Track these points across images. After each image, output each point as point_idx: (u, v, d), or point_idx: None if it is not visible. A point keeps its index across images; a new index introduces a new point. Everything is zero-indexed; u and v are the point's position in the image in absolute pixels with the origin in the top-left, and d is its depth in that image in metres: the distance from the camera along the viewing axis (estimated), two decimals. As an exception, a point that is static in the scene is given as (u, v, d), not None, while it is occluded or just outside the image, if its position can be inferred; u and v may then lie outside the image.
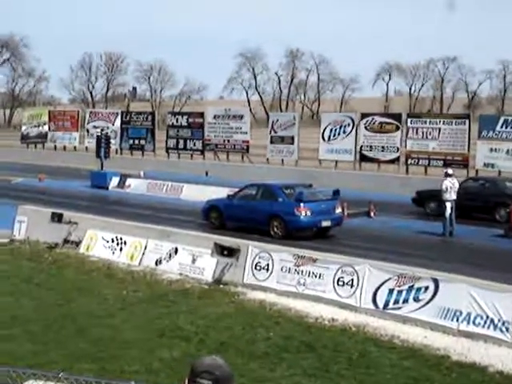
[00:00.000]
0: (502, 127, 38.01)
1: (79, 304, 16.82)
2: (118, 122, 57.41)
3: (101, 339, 14.05)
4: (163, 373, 12.16)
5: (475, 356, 13.46)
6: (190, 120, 53.26)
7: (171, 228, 22.93)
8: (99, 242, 22.76)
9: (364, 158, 44.12)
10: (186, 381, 4.25)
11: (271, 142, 48.42)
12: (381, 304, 16.14)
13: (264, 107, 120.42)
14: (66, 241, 23.61)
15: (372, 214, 29.98)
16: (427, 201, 31.36)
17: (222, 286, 18.73)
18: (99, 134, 46.05)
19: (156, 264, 20.86)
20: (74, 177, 45.17)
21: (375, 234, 26.35)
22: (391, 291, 16.05)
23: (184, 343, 13.84)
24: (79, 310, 16.32)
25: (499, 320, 14.28)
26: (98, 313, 16.05)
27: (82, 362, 12.53)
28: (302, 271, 17.70)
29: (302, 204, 24.78)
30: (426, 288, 15.52)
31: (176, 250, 20.64)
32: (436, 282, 15.48)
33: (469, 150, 39.58)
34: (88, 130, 59.41)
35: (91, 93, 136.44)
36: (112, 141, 48.39)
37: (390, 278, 16.17)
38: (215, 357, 4.39)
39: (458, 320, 14.85)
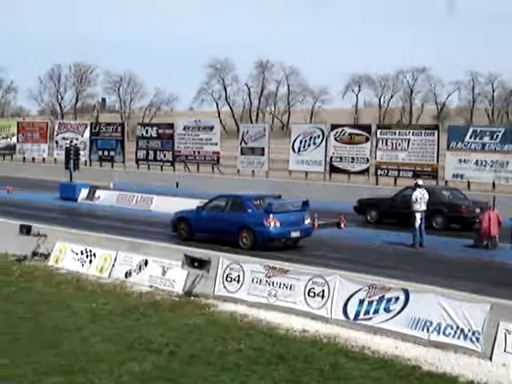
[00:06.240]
0: (470, 138, 38.34)
1: (48, 317, 16.67)
2: (87, 134, 57.17)
3: (70, 352, 13.91)
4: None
5: (446, 366, 13.52)
6: (160, 131, 53.15)
7: (141, 240, 22.82)
8: (68, 254, 22.59)
9: (334, 169, 44.24)
10: None
11: (242, 153, 48.39)
12: (351, 315, 16.15)
13: (234, 118, 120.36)
14: (34, 253, 23.43)
15: (342, 224, 30.01)
16: (368, 209, 31.66)
17: (192, 297, 18.65)
18: (68, 145, 45.77)
19: (126, 276, 20.73)
20: (43, 189, 44.79)
21: (345, 245, 26.34)
22: (362, 302, 16.07)
23: (154, 356, 13.74)
24: (48, 323, 16.17)
25: (469, 330, 14.34)
26: (67, 326, 15.91)
27: (50, 376, 12.42)
28: (273, 282, 17.67)
29: (271, 215, 24.72)
30: (397, 299, 15.56)
31: (146, 262, 20.52)
32: (406, 292, 15.52)
33: (438, 161, 39.86)
34: (57, 142, 59.06)
35: (60, 104, 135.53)
36: (81, 152, 48.12)
37: (360, 289, 16.20)
38: None
39: (428, 330, 14.90)
